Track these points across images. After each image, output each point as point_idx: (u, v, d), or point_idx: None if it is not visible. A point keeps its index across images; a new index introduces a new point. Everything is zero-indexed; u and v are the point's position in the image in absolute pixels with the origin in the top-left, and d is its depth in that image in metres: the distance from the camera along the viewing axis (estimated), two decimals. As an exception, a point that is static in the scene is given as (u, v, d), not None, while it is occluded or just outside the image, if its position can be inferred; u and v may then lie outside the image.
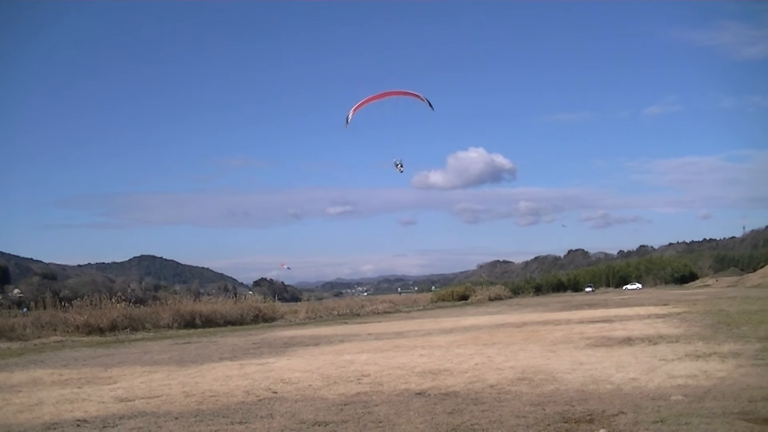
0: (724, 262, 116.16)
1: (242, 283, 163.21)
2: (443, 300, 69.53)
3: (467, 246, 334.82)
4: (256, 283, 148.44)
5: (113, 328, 29.56)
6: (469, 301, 68.84)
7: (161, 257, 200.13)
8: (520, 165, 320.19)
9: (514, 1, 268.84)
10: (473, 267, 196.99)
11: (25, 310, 39.14)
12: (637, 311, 29.14)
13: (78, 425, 8.65)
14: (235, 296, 47.71)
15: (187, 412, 9.18)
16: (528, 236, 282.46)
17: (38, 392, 11.78)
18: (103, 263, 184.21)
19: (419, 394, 9.68)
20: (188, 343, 23.47)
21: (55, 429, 8.49)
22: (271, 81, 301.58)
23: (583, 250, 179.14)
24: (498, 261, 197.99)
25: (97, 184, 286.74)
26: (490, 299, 70.85)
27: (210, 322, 34.38)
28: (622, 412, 7.63)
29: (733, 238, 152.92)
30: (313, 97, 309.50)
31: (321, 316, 43.60)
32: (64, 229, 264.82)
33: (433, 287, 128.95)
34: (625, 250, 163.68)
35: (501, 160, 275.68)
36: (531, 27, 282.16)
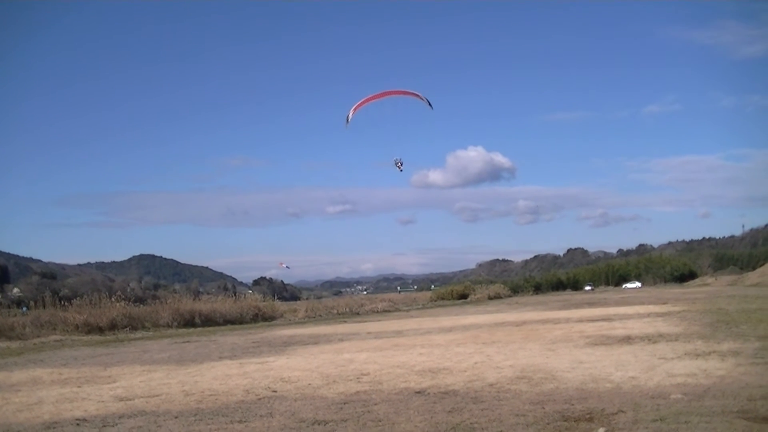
0: (724, 260, 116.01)
1: (242, 282, 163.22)
2: (442, 299, 69.52)
3: (466, 245, 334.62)
4: (256, 282, 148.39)
5: (113, 327, 29.56)
6: (469, 299, 68.81)
7: (161, 256, 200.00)
8: (520, 164, 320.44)
9: (514, 1, 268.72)
10: (472, 266, 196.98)
11: (24, 309, 39.14)
12: (637, 310, 29.15)
13: (77, 424, 8.65)
14: (235, 295, 47.73)
15: (186, 411, 9.18)
16: (527, 235, 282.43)
17: (38, 391, 11.78)
18: (103, 262, 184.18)
19: (419, 392, 9.68)
20: (188, 342, 23.47)
21: (54, 428, 8.49)
22: (271, 80, 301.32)
23: (583, 248, 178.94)
24: (497, 260, 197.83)
25: (97, 183, 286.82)
26: (490, 298, 70.82)
27: (209, 321, 34.37)
28: (622, 411, 7.63)
29: (732, 236, 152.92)
30: (313, 97, 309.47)
31: (320, 315, 43.61)
32: (63, 228, 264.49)
33: (433, 286, 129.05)
34: (625, 249, 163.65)
35: (500, 158, 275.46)
36: (530, 26, 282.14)
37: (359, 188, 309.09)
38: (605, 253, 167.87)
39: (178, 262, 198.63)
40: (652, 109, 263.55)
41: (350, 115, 22.35)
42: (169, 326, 31.97)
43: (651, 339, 15.45)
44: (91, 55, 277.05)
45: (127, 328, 29.89)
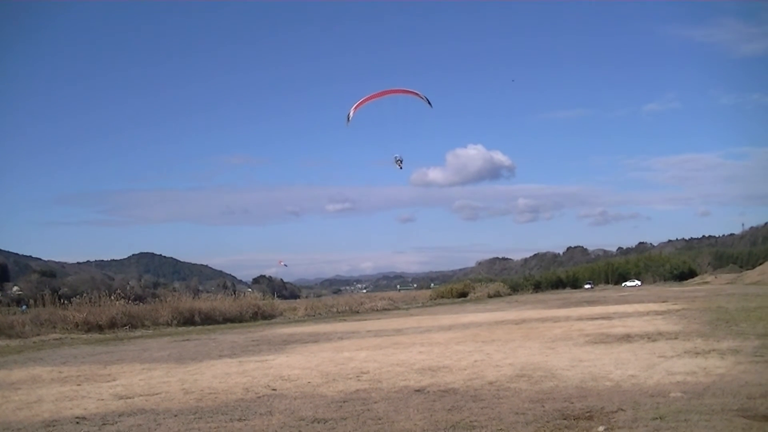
0: (723, 259, 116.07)
1: (241, 281, 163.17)
2: (442, 297, 69.51)
3: (466, 243, 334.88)
4: (255, 281, 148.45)
5: (112, 325, 29.58)
6: (468, 298, 68.86)
7: (160, 254, 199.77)
8: (519, 162, 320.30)
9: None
10: (472, 264, 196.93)
11: (24, 307, 39.16)
12: (636, 308, 29.17)
13: (77, 422, 8.65)
14: (234, 293, 47.79)
15: (186, 409, 9.18)
16: (527, 233, 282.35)
17: (37, 390, 11.78)
18: (102, 261, 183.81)
19: (418, 391, 9.69)
20: (187, 340, 23.48)
21: (54, 426, 8.48)
22: (270, 79, 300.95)
23: (582, 247, 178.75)
24: (497, 258, 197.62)
25: (97, 181, 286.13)
26: (489, 296, 70.88)
27: (209, 320, 34.39)
28: (621, 409, 7.63)
29: (732, 235, 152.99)
30: (312, 95, 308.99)
31: (320, 314, 43.63)
32: (63, 226, 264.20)
33: (432, 284, 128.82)
34: (624, 247, 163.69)
35: (500, 157, 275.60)
36: (530, 25, 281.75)
37: (359, 186, 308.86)
38: (605, 251, 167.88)
39: (177, 261, 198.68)
40: (652, 107, 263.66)
41: (351, 114, 22.39)
42: (168, 324, 31.98)
43: (650, 337, 15.46)
44: (91, 54, 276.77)
45: (127, 327, 29.91)
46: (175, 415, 8.73)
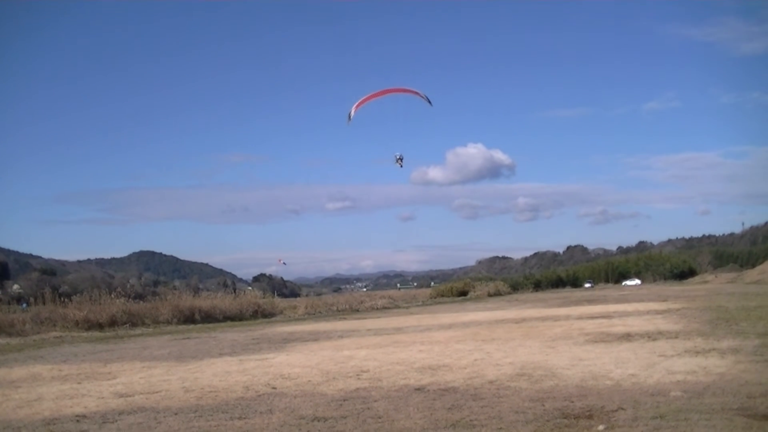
0: (723, 258, 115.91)
1: (241, 279, 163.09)
2: (442, 296, 69.58)
3: (466, 242, 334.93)
4: (255, 279, 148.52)
5: (112, 323, 29.61)
6: (468, 296, 68.91)
7: (160, 253, 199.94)
8: (519, 161, 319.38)
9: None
10: (472, 263, 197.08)
11: (24, 305, 39.16)
12: (636, 307, 29.16)
13: (77, 421, 8.66)
14: (234, 292, 47.80)
15: (186, 407, 9.19)
16: (527, 232, 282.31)
17: (38, 388, 11.79)
18: (103, 259, 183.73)
19: (418, 389, 9.69)
20: (187, 338, 23.49)
21: (54, 424, 8.49)
22: (270, 77, 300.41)
23: (582, 246, 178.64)
24: (497, 257, 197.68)
25: (97, 179, 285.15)
26: (489, 295, 70.92)
27: (209, 318, 34.43)
28: (622, 408, 7.64)
29: (732, 234, 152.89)
30: (312, 94, 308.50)
31: (320, 312, 43.64)
32: (63, 224, 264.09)
33: (432, 283, 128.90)
34: (624, 246, 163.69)
35: (500, 155, 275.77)
36: (530, 23, 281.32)
37: (359, 185, 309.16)
38: (605, 250, 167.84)
39: (177, 259, 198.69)
40: (652, 105, 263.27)
41: (352, 112, 22.42)
42: (168, 323, 32.02)
43: (651, 336, 15.46)
44: (91, 51, 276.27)
45: (127, 325, 29.94)
46: (176, 414, 8.73)
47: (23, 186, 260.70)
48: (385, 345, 17.13)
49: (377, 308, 48.23)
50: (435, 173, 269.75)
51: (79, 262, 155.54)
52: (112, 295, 32.62)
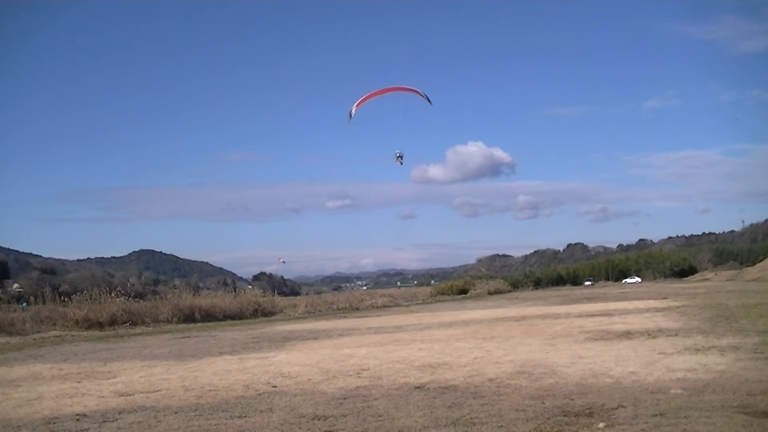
0: (723, 255, 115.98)
1: (241, 278, 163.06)
2: (442, 294, 69.59)
3: (466, 240, 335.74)
4: (256, 278, 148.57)
5: (112, 322, 29.60)
6: (469, 295, 68.91)
7: (160, 252, 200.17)
8: (519, 159, 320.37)
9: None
10: (472, 261, 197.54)
11: (24, 304, 39.16)
12: (637, 305, 29.17)
13: (77, 420, 8.65)
14: (235, 290, 47.71)
15: (186, 406, 9.18)
16: (527, 230, 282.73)
17: (38, 387, 11.78)
18: (103, 258, 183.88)
19: (418, 387, 9.68)
20: (187, 337, 23.48)
21: (54, 423, 8.48)
22: (270, 76, 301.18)
23: (583, 243, 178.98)
24: (497, 255, 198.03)
25: (97, 178, 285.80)
26: (490, 293, 70.93)
27: (209, 317, 34.41)
28: (622, 406, 7.63)
29: (732, 231, 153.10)
30: (312, 92, 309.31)
31: (320, 311, 43.63)
32: (63, 223, 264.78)
33: (433, 281, 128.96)
34: (625, 244, 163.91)
35: (500, 153, 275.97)
36: (530, 21, 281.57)
37: (359, 183, 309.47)
38: (605, 248, 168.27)
39: (177, 258, 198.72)
40: (652, 103, 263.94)
41: (353, 111, 22.45)
42: (168, 322, 32.02)
43: (651, 334, 15.46)
44: (92, 50, 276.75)
45: (127, 324, 29.93)
46: (176, 412, 8.73)
47: (23, 185, 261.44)
48: (386, 343, 17.12)
49: (377, 307, 48.23)
50: (435, 171, 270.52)
51: (79, 261, 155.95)
52: (112, 294, 32.55)
